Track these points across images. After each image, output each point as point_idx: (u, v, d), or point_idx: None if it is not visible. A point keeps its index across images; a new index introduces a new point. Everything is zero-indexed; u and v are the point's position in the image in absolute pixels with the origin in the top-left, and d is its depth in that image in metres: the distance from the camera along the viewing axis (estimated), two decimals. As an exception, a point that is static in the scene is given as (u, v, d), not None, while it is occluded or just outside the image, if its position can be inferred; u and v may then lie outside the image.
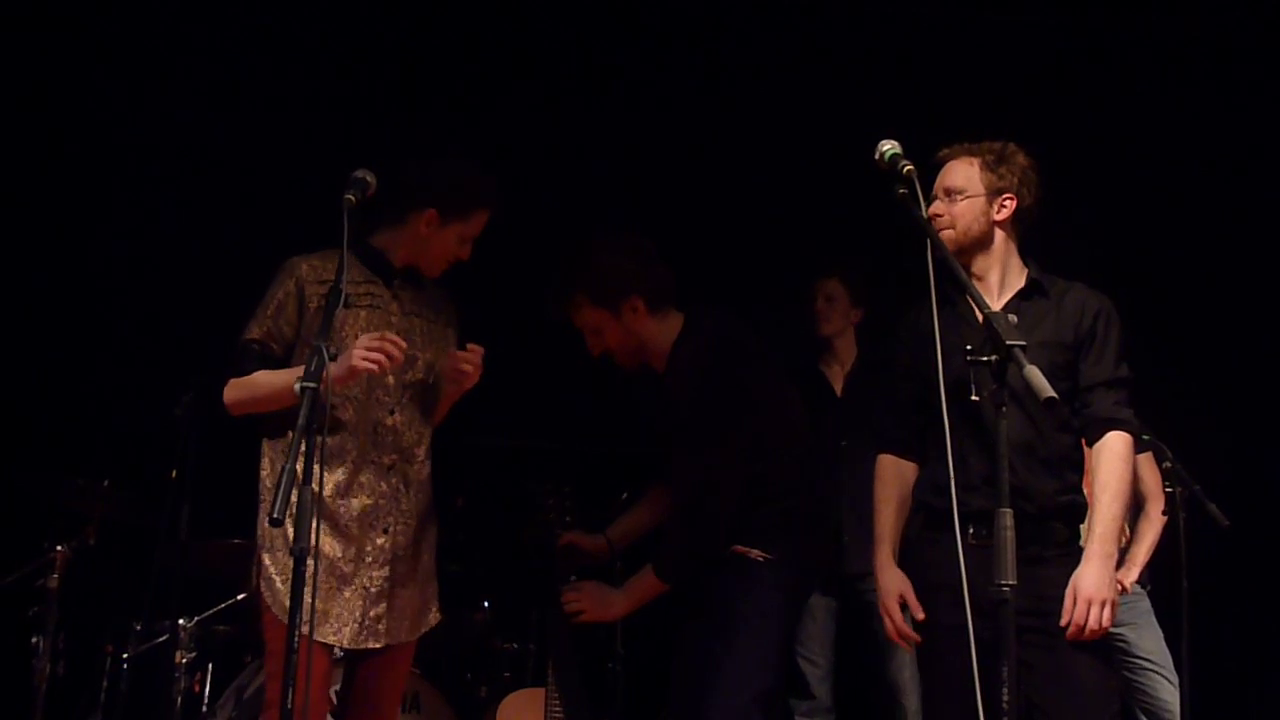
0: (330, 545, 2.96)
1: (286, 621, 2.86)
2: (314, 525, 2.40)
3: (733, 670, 3.10)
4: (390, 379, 3.06)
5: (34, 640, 3.94)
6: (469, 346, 3.05)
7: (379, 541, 3.03)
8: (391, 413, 3.08)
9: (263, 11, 4.79)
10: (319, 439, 2.57)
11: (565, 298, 3.27)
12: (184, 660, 3.97)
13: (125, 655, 4.08)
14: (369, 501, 3.03)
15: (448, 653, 4.31)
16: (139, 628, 4.11)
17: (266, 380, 2.97)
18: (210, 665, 4.11)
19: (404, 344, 2.90)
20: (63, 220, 4.80)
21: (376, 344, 2.84)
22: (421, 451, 3.14)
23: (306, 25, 4.82)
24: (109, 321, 4.79)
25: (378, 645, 3.02)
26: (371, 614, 3.01)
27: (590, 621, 3.34)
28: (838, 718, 4.29)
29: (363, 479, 3.02)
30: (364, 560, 3.01)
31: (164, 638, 4.09)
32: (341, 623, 2.95)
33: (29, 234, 4.77)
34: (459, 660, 4.40)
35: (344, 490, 2.99)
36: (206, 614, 4.08)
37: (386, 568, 3.03)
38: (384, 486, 3.05)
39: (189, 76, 4.79)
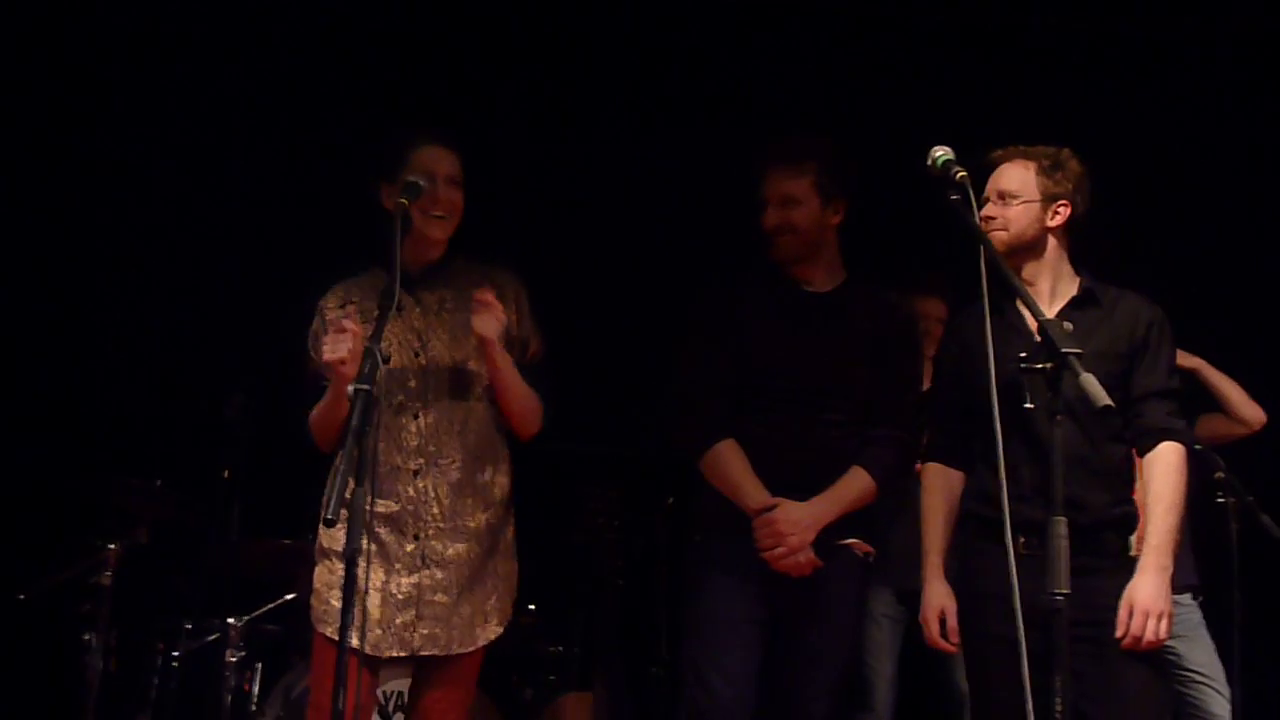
0: None
1: (319, 629, 2.99)
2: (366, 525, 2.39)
3: (839, 671, 3.16)
4: (412, 381, 3.02)
5: (86, 637, 3.96)
6: (474, 295, 2.96)
7: (408, 548, 2.98)
8: (416, 416, 3.02)
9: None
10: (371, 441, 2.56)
11: (798, 155, 3.25)
12: (233, 659, 4.00)
13: (175, 653, 4.10)
14: (395, 507, 2.98)
15: (493, 655, 4.31)
16: (189, 626, 4.14)
17: (318, 410, 3.00)
18: (259, 665, 4.13)
19: (351, 325, 2.81)
20: (117, 219, 4.84)
21: (332, 334, 2.82)
22: (463, 451, 3.03)
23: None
24: (162, 321, 4.82)
25: (403, 654, 2.95)
26: (398, 621, 2.95)
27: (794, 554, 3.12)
28: None
29: (391, 484, 2.98)
30: (391, 566, 2.96)
31: (214, 636, 4.11)
32: (370, 628, 2.90)
33: (84, 233, 4.82)
34: (505, 663, 4.41)
35: (375, 491, 2.93)
36: (256, 613, 4.10)
37: (415, 575, 2.97)
38: (409, 491, 2.99)
39: (240, 66, 4.82)
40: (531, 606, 4.45)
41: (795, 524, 3.10)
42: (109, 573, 3.96)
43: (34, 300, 4.76)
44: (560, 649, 4.49)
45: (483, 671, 4.04)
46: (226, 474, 4.23)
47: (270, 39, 4.85)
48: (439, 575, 2.99)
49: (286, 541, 4.09)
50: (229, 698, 4.00)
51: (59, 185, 4.80)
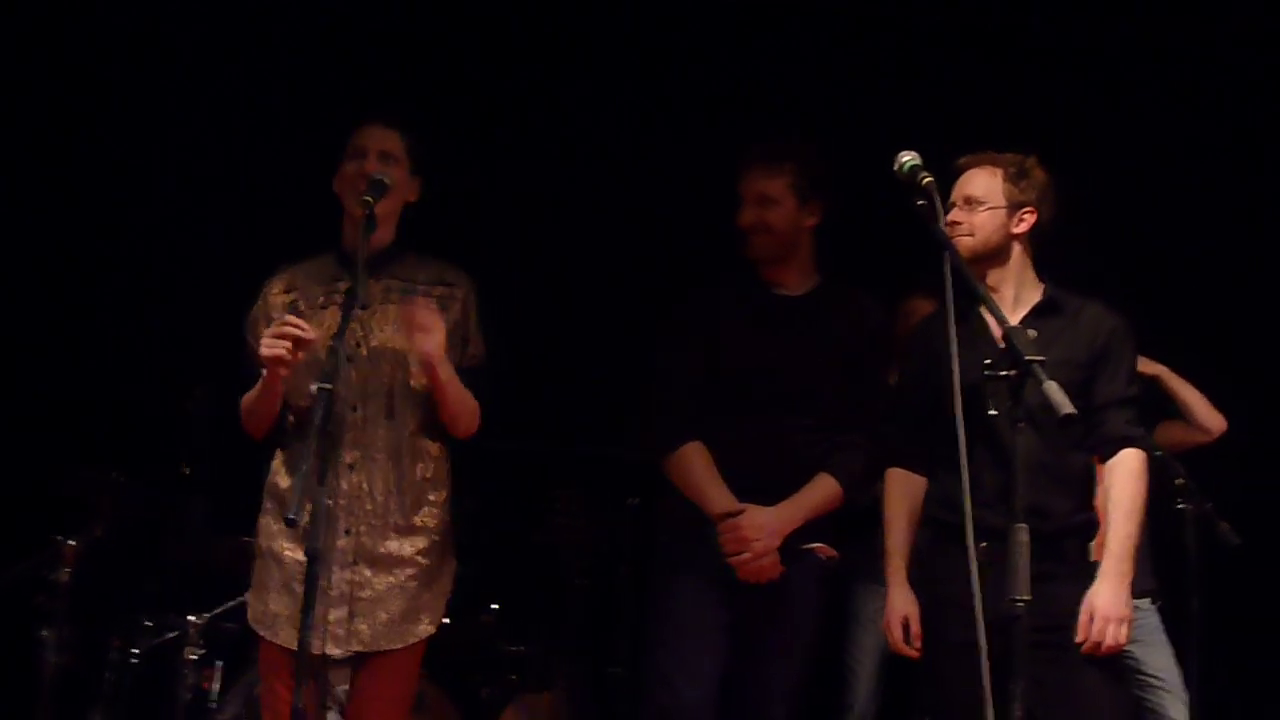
0: (292, 547, 2.89)
1: (254, 628, 2.96)
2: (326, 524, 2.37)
3: (799, 676, 3.18)
4: (354, 374, 2.95)
5: (42, 633, 3.91)
6: (409, 312, 2.89)
7: (339, 543, 2.90)
8: (354, 409, 2.95)
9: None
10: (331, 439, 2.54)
11: (776, 155, 3.27)
12: (193, 657, 3.95)
13: (134, 650, 4.06)
14: (328, 501, 2.87)
15: (453, 654, 4.29)
16: (148, 623, 4.09)
17: (248, 398, 2.97)
18: (219, 663, 4.07)
19: (303, 325, 2.77)
20: (77, 211, 4.77)
21: (276, 330, 2.77)
22: (398, 445, 2.97)
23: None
24: (123, 313, 4.76)
25: (337, 650, 2.89)
26: (331, 618, 2.88)
27: (758, 559, 3.12)
28: None
29: (325, 478, 2.87)
30: (326, 562, 2.86)
31: (173, 634, 4.06)
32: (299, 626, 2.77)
33: (42, 225, 4.76)
34: (465, 662, 4.39)
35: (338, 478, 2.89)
36: (216, 611, 4.05)
37: (349, 571, 2.91)
38: (344, 486, 2.92)
39: (191, 76, 4.78)
40: (494, 606, 4.43)
41: (760, 529, 3.10)
42: (67, 569, 3.90)
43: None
44: (521, 648, 4.47)
45: (442, 670, 4.05)
46: (186, 469, 4.19)
47: (231, 31, 4.80)
48: (368, 572, 2.93)
49: (248, 538, 4.03)
50: (188, 696, 3.95)
51: (19, 176, 4.74)
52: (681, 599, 3.16)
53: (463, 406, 3.00)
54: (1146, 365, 3.75)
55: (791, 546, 3.15)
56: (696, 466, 3.18)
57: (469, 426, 3.04)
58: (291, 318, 2.81)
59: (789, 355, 3.23)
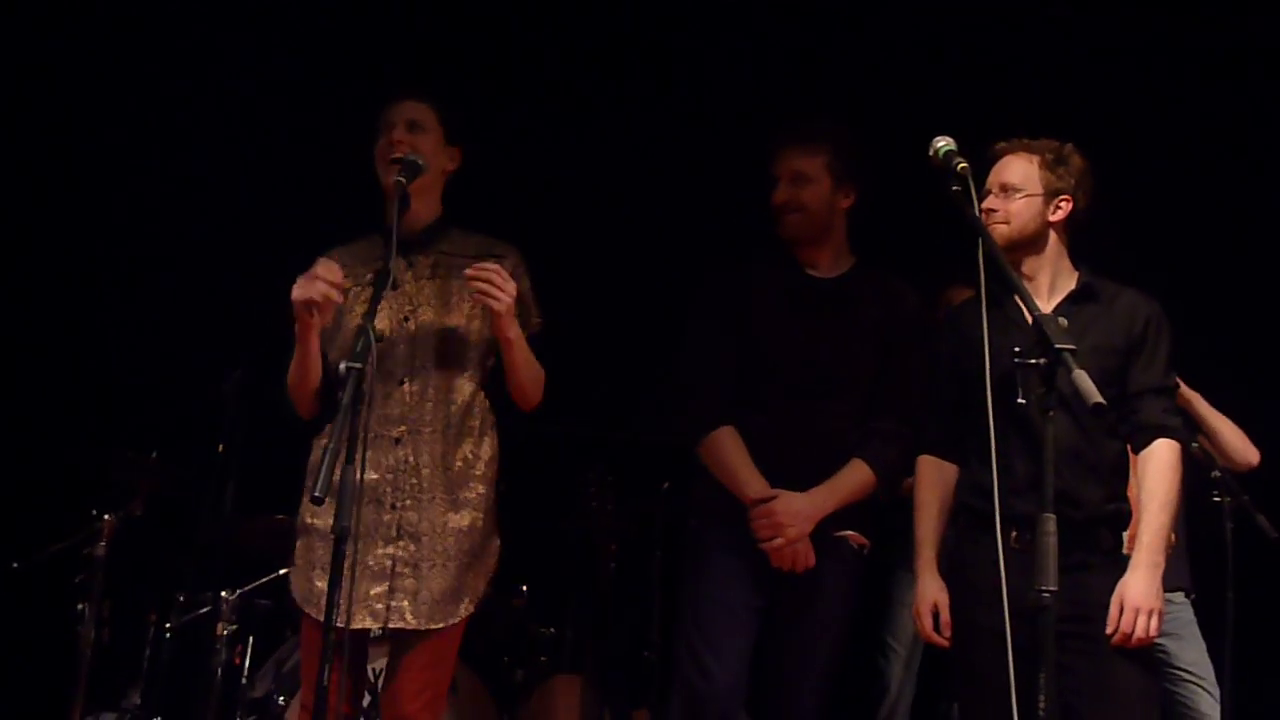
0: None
1: (300, 605, 2.94)
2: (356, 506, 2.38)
3: (830, 663, 3.16)
4: (400, 347, 2.96)
5: (80, 607, 3.97)
6: (475, 267, 2.85)
7: (384, 518, 2.90)
8: (401, 383, 2.96)
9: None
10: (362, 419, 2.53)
11: (812, 134, 3.26)
12: (225, 632, 3.99)
13: (168, 625, 4.11)
14: (374, 476, 2.89)
15: (484, 636, 4.32)
16: (182, 599, 4.15)
17: (290, 371, 2.96)
18: (251, 638, 4.13)
19: (335, 269, 2.77)
20: (116, 194, 4.82)
21: (308, 274, 2.76)
22: (446, 422, 2.97)
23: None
24: (161, 295, 4.80)
25: (376, 626, 2.88)
26: (372, 593, 2.87)
27: (791, 545, 3.10)
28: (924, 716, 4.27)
29: (371, 453, 2.86)
30: (369, 537, 2.88)
31: (205, 609, 4.11)
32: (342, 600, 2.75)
33: (83, 207, 4.81)
34: (496, 644, 4.41)
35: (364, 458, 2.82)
36: (248, 587, 4.09)
37: (391, 546, 2.90)
38: (390, 460, 2.92)
39: (228, 48, 4.80)
40: (524, 588, 4.45)
41: (794, 515, 3.09)
42: (103, 543, 3.96)
43: (34, 273, 4.76)
44: (552, 631, 4.49)
45: (474, 652, 4.06)
46: (221, 448, 4.23)
47: (266, 11, 4.82)
48: (413, 548, 2.91)
49: (280, 517, 4.08)
50: (220, 670, 3.99)
51: (56, 161, 4.79)
52: (713, 582, 3.15)
53: (531, 371, 3.00)
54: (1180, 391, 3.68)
55: (824, 534, 3.13)
56: (730, 451, 3.17)
57: (535, 395, 3.04)
58: (322, 260, 2.80)
59: (823, 339, 3.21)
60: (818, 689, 3.16)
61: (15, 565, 4.08)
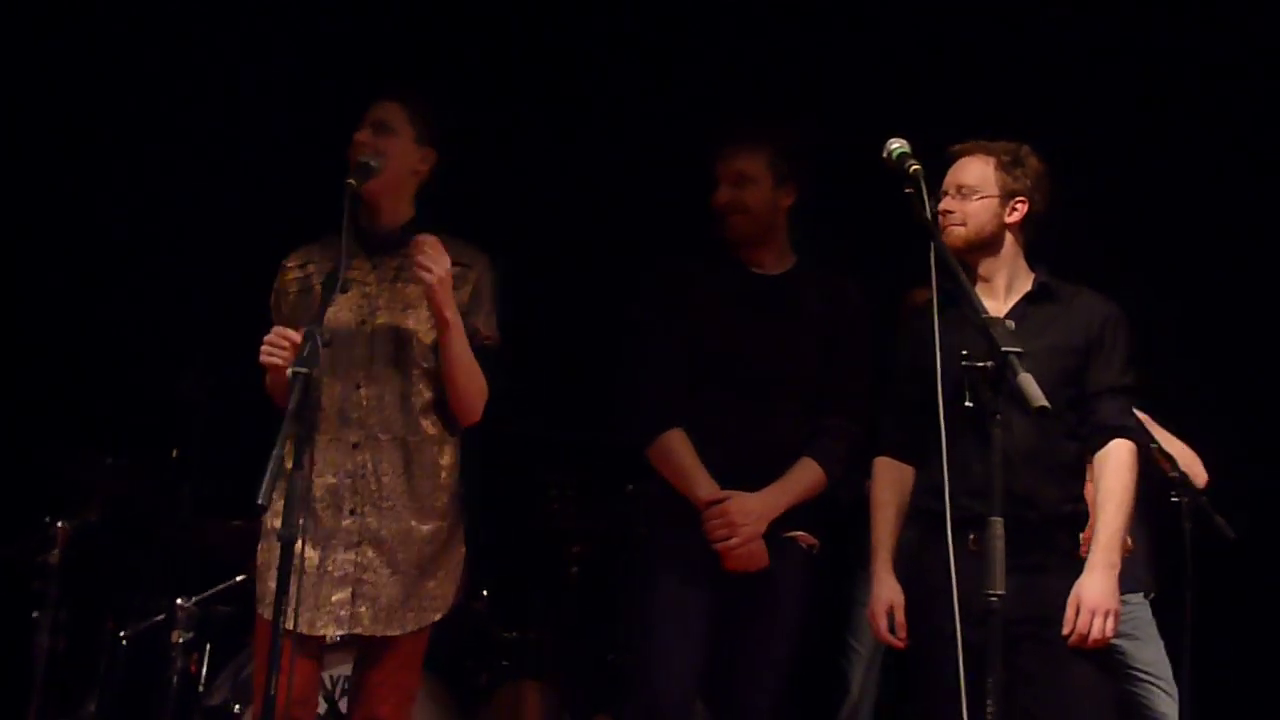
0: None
1: (258, 609, 2.91)
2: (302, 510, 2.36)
3: (785, 665, 3.15)
4: (358, 349, 2.93)
5: (34, 614, 3.93)
6: (415, 239, 2.83)
7: (344, 524, 2.88)
8: (358, 387, 2.93)
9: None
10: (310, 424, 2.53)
11: (753, 134, 3.25)
12: (180, 640, 3.94)
13: (123, 634, 4.07)
14: (333, 481, 2.88)
15: (447, 639, 4.29)
16: (137, 606, 4.11)
17: (268, 383, 2.93)
18: (208, 645, 4.08)
19: (287, 332, 2.73)
20: (71, 193, 4.77)
21: (269, 340, 2.75)
22: (406, 427, 2.94)
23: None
24: (116, 295, 4.76)
25: (339, 632, 2.87)
26: (334, 599, 2.85)
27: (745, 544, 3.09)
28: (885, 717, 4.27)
29: (330, 456, 2.88)
30: (330, 542, 2.86)
31: (161, 616, 4.07)
32: (304, 606, 2.77)
33: (37, 206, 4.76)
34: (458, 647, 4.38)
35: (313, 470, 2.85)
36: (205, 594, 4.05)
37: (353, 551, 2.87)
38: (349, 465, 2.90)
39: (193, 58, 4.77)
40: (485, 592, 4.42)
41: (747, 514, 3.08)
42: (57, 550, 3.92)
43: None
44: (515, 634, 4.47)
45: (435, 656, 4.02)
46: (175, 452, 4.19)
47: (260, 10, 4.79)
48: (372, 554, 2.89)
49: (237, 522, 4.05)
50: (176, 678, 3.94)
51: (11, 159, 4.73)
52: (662, 594, 3.13)
53: (470, 379, 2.94)
54: None
55: (774, 535, 3.13)
56: (679, 454, 3.15)
57: (473, 408, 2.98)
58: (279, 329, 2.77)
59: (769, 337, 3.20)
60: (773, 689, 3.15)
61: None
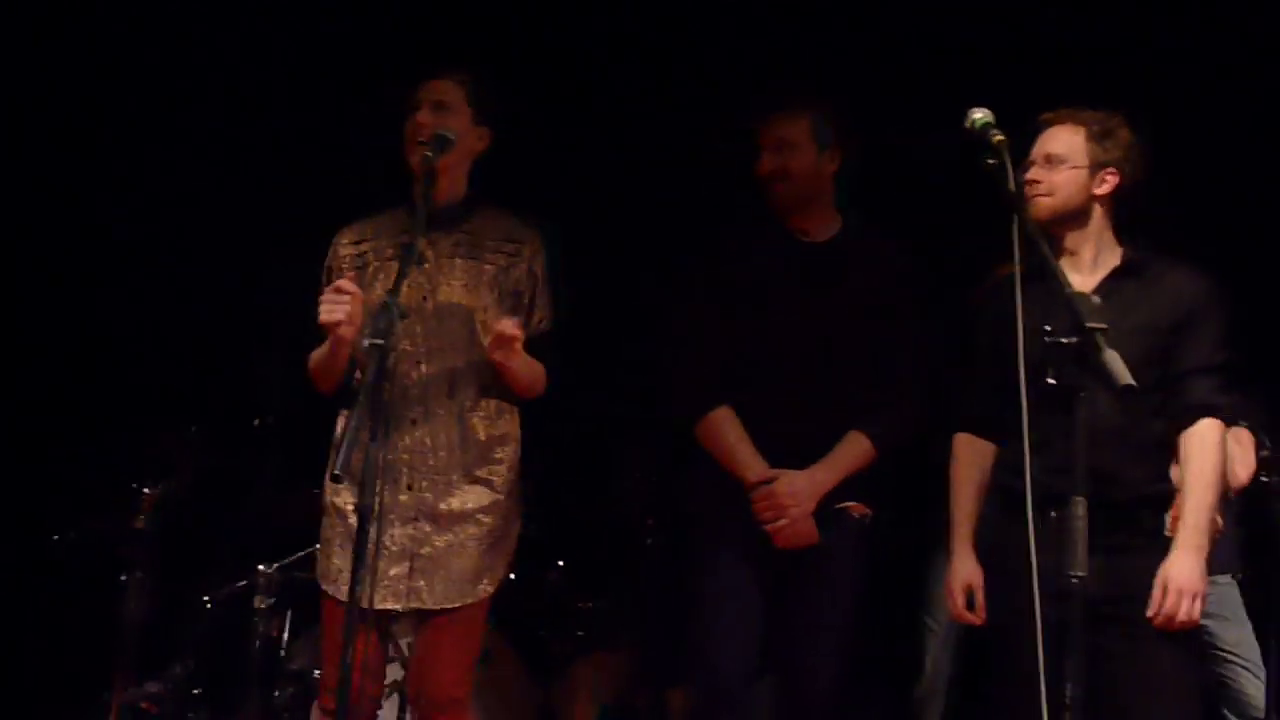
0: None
1: (321, 585, 2.99)
2: (380, 484, 2.37)
3: (844, 636, 3.13)
4: (418, 327, 2.96)
5: (123, 579, 4.01)
6: (498, 325, 2.88)
7: (401, 499, 2.92)
8: (418, 364, 2.96)
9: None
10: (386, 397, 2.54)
11: (794, 101, 3.23)
12: (263, 605, 4.01)
13: (207, 599, 4.15)
14: (391, 456, 2.89)
15: (522, 609, 4.32)
16: (220, 573, 4.18)
17: (315, 356, 2.97)
18: (289, 611, 4.14)
19: (349, 286, 2.78)
20: (154, 167, 4.82)
21: (330, 294, 2.78)
22: (464, 403, 2.97)
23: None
24: (200, 268, 4.81)
25: (397, 606, 2.91)
26: (392, 573, 2.89)
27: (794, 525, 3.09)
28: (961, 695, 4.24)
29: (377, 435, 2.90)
30: (387, 517, 2.88)
31: (242, 584, 4.14)
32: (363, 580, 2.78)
33: (124, 179, 4.81)
34: (533, 617, 4.41)
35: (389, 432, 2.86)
36: (285, 561, 4.10)
37: (410, 526, 2.92)
38: (407, 440, 2.93)
39: (257, 30, 4.79)
40: (560, 563, 4.44)
41: (796, 495, 3.06)
42: (143, 516, 3.99)
43: (77, 247, 4.78)
44: (590, 604, 4.48)
45: (510, 625, 4.07)
46: (257, 422, 4.25)
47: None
48: (429, 529, 2.93)
49: (317, 491, 4.09)
50: (258, 643, 4.01)
51: (103, 135, 4.80)
52: (716, 572, 3.12)
53: (530, 379, 3.00)
54: None
55: (825, 507, 3.10)
56: (726, 432, 3.12)
57: (534, 391, 3.04)
58: (343, 281, 2.81)
59: (818, 308, 3.16)
60: (832, 658, 3.12)
61: (56, 539, 4.12)
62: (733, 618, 3.09)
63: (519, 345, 2.87)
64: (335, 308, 2.76)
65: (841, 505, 3.15)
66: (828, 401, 3.13)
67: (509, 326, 2.84)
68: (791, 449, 3.10)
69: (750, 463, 3.09)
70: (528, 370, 2.99)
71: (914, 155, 4.32)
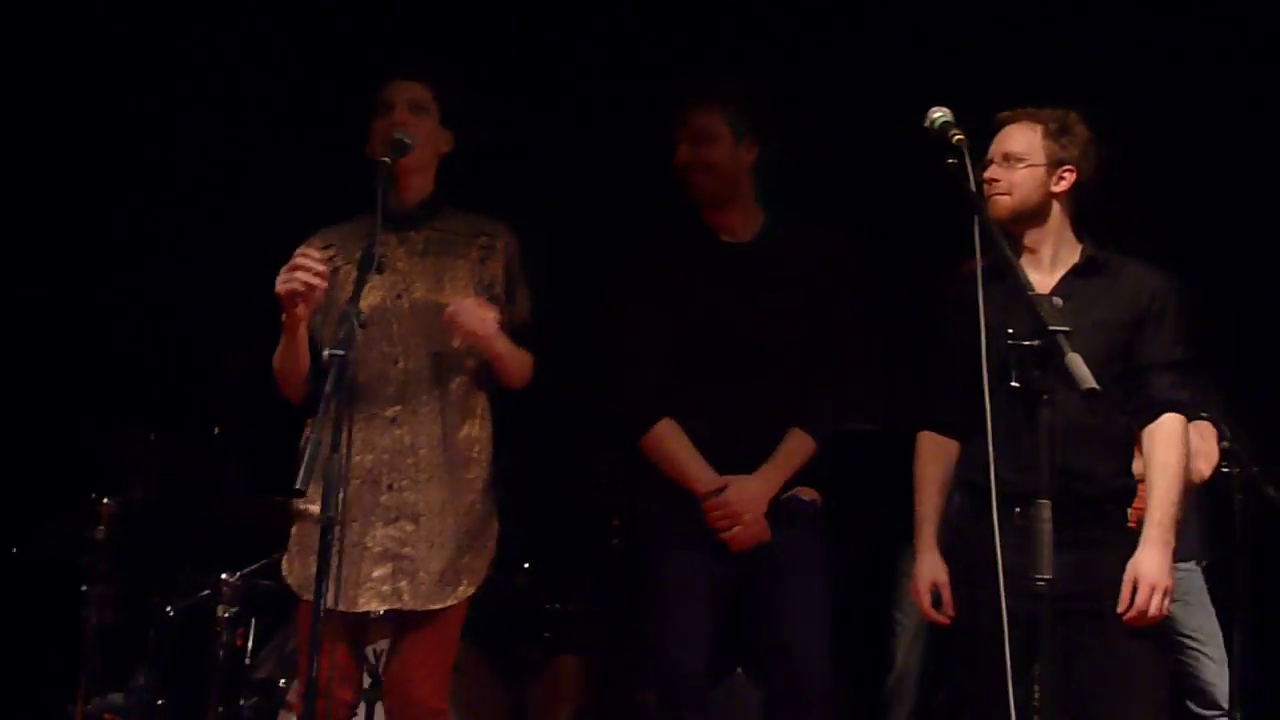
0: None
1: (296, 591, 2.95)
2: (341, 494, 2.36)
3: (824, 614, 3.13)
4: (394, 326, 2.95)
5: (83, 589, 3.97)
6: (448, 313, 2.86)
7: (381, 499, 2.90)
8: (396, 362, 2.94)
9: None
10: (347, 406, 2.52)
11: (710, 90, 3.20)
12: (225, 615, 3.97)
13: (168, 608, 4.11)
14: (370, 457, 2.90)
15: (489, 613, 4.30)
16: (182, 581, 4.14)
17: (275, 356, 2.94)
18: (253, 620, 4.12)
19: (315, 254, 2.75)
20: (116, 171, 4.77)
21: (289, 266, 2.72)
22: (443, 401, 2.96)
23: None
24: (158, 271, 4.77)
25: (380, 607, 2.89)
26: (375, 574, 2.87)
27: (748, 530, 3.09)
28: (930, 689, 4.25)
29: (366, 434, 2.89)
30: (368, 519, 2.88)
31: (205, 592, 4.10)
32: (345, 584, 2.79)
33: (82, 184, 4.77)
34: (501, 621, 4.39)
35: (350, 445, 2.79)
36: (248, 569, 4.07)
37: (391, 527, 2.90)
38: (385, 440, 2.91)
39: (222, 27, 4.76)
40: (526, 565, 4.42)
41: (747, 501, 3.07)
42: (102, 527, 3.95)
43: (30, 250, 4.73)
44: (557, 607, 4.47)
45: (479, 630, 4.04)
46: (218, 429, 4.21)
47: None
48: (411, 529, 2.91)
49: (279, 499, 4.05)
50: (222, 652, 3.98)
51: (55, 139, 4.75)
52: (671, 569, 3.12)
53: (517, 366, 3.00)
54: None
55: (774, 499, 3.12)
56: (672, 445, 3.12)
57: (522, 378, 3.04)
58: (304, 249, 2.78)
59: (750, 309, 3.16)
60: (822, 642, 3.12)
61: (15, 550, 4.08)
62: (686, 610, 3.09)
63: (483, 329, 2.84)
64: (292, 278, 2.70)
65: (789, 494, 3.15)
66: (767, 401, 3.13)
67: (458, 309, 2.83)
68: (737, 452, 3.10)
69: (698, 474, 3.09)
70: (514, 358, 2.98)
71: (869, 148, 4.33)
